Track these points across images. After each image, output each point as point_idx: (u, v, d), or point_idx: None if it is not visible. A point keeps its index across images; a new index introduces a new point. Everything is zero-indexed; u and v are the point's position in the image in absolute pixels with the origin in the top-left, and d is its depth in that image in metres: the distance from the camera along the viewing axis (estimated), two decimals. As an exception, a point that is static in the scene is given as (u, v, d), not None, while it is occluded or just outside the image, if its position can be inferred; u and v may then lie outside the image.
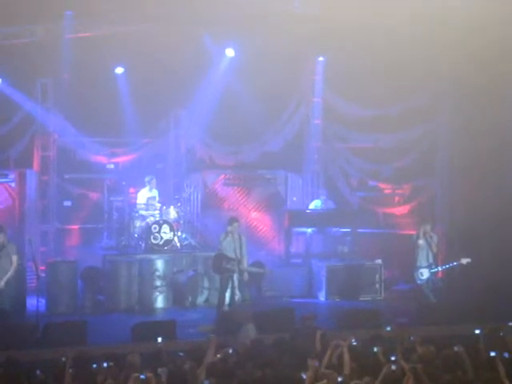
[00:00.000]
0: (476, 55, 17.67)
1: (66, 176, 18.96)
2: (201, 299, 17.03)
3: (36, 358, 11.91)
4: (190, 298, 16.89)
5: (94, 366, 9.75)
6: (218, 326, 14.26)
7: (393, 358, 9.77)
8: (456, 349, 10.09)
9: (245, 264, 15.51)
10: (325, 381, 8.70)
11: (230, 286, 15.45)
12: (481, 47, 17.47)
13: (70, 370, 9.59)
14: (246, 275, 15.55)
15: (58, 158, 18.88)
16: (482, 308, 14.99)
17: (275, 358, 10.51)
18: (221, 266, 15.40)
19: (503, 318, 12.93)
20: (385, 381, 9.35)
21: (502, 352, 10.08)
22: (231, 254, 15.36)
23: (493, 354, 9.67)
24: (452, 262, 16.76)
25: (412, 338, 11.28)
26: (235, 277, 16.51)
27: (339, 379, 9.14)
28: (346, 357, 9.87)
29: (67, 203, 19.01)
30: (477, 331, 11.56)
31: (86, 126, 18.47)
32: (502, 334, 11.48)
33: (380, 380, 9.33)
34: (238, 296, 16.67)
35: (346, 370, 9.62)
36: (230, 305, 15.50)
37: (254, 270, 16.45)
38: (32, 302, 15.29)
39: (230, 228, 15.52)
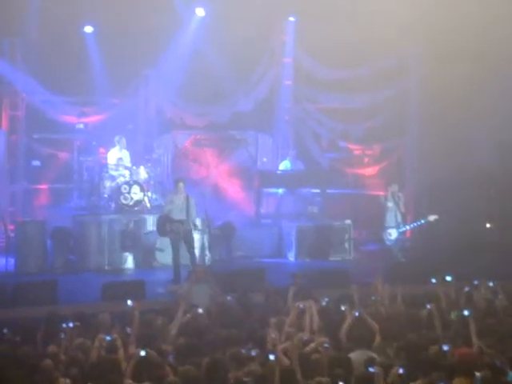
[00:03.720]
0: (446, 18, 17.71)
1: (35, 136, 18.81)
2: (169, 259, 17.03)
3: (5, 317, 11.88)
4: (158, 258, 16.88)
5: (64, 325, 9.75)
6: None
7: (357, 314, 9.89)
8: (428, 307, 10.23)
9: (191, 224, 15.35)
10: (288, 343, 8.76)
11: (179, 246, 15.30)
12: (453, 12, 17.51)
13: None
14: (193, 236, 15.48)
15: (26, 117, 18.70)
16: (450, 266, 15.15)
17: (243, 317, 10.60)
18: (164, 228, 15.33)
19: (470, 275, 13.08)
20: (351, 331, 9.51)
21: (470, 310, 10.24)
22: (178, 215, 15.25)
23: (466, 312, 9.77)
24: (420, 220, 16.93)
25: (373, 297, 11.41)
26: (205, 237, 16.61)
27: (305, 338, 9.24)
28: (314, 316, 9.98)
29: (36, 163, 18.88)
30: (448, 278, 11.75)
31: (55, 85, 18.28)
32: (467, 289, 11.63)
33: (345, 330, 9.50)
34: (207, 256, 16.78)
35: (313, 328, 9.74)
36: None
37: (199, 229, 16.40)
38: (1, 262, 15.25)
39: (175, 189, 15.47)
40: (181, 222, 15.22)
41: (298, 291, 11.77)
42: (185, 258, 15.55)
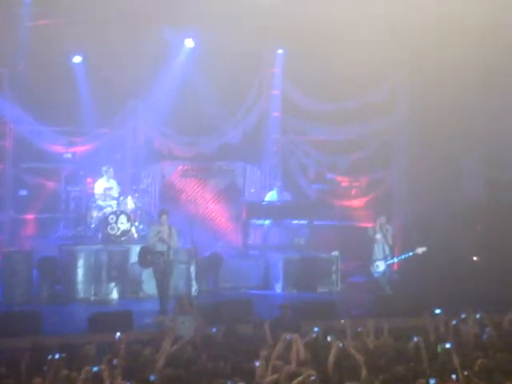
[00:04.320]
0: (434, 47, 17.85)
1: (23, 165, 18.77)
2: (156, 290, 16.95)
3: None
4: (144, 289, 16.81)
5: (50, 356, 9.67)
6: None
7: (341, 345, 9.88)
8: (415, 339, 10.22)
9: (171, 255, 15.33)
10: (276, 375, 8.72)
11: (162, 278, 15.26)
12: (440, 39, 17.65)
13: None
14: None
15: (14, 147, 18.67)
16: (437, 299, 15.16)
17: (228, 349, 10.55)
18: (146, 259, 15.32)
19: (458, 308, 13.08)
20: (337, 361, 9.48)
21: (456, 342, 10.24)
22: (160, 247, 15.24)
23: (448, 345, 9.79)
24: (407, 252, 16.94)
25: (360, 329, 11.39)
26: (192, 268, 16.58)
27: (292, 370, 9.20)
28: (301, 348, 9.95)
29: (23, 192, 18.82)
30: (437, 311, 11.76)
31: (43, 115, 18.30)
32: (454, 322, 11.64)
33: (332, 361, 9.48)
34: (194, 287, 16.73)
35: (300, 359, 9.70)
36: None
37: (180, 260, 16.39)
38: (-14, 292, 15.16)
39: (159, 220, 15.48)
40: (161, 253, 15.20)
41: (286, 322, 11.72)
42: (173, 289, 15.51)
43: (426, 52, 18.09)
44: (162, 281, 15.31)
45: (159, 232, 15.30)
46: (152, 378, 9.06)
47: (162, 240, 15.18)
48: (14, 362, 9.91)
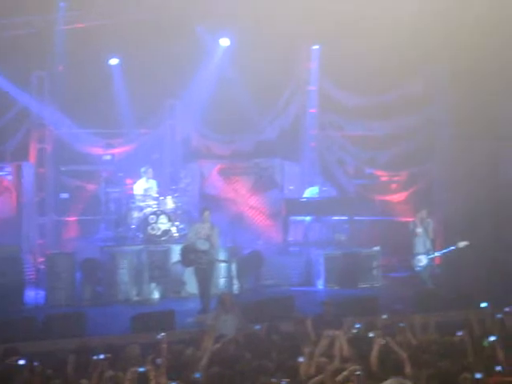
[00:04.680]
0: (472, 40, 17.65)
1: (63, 168, 18.98)
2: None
3: (35, 350, 11.90)
4: (187, 288, 16.87)
5: (95, 357, 9.74)
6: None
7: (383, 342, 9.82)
8: (460, 334, 10.13)
9: (214, 254, 15.31)
10: (321, 376, 8.70)
11: (204, 277, 15.27)
12: (477, 32, 17.44)
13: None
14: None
15: (54, 150, 18.88)
16: (480, 293, 15.01)
17: (271, 346, 10.54)
18: (188, 258, 15.28)
19: (501, 302, 12.94)
20: (380, 356, 9.43)
21: (501, 336, 10.12)
22: (202, 245, 15.15)
23: (492, 338, 9.69)
24: (449, 247, 16.80)
25: (402, 324, 11.30)
26: (233, 266, 16.60)
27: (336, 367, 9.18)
28: (344, 344, 9.91)
29: (64, 195, 19.02)
30: (483, 304, 11.65)
31: (81, 117, 18.46)
32: (499, 316, 11.51)
33: (375, 357, 9.43)
34: (236, 285, 16.75)
35: (343, 355, 9.67)
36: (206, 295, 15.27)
37: (222, 259, 16.39)
38: (31, 295, 15.31)
39: (201, 217, 15.47)
40: (204, 251, 15.20)
41: (328, 318, 11.68)
42: (214, 287, 15.55)
43: (464, 41, 17.87)
44: (205, 280, 15.32)
45: (199, 231, 15.27)
46: (197, 375, 9.10)
47: (201, 238, 15.16)
48: (60, 363, 10.00)
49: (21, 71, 17.97)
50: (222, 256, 16.41)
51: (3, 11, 16.77)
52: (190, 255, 15.22)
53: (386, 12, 17.46)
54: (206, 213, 15.36)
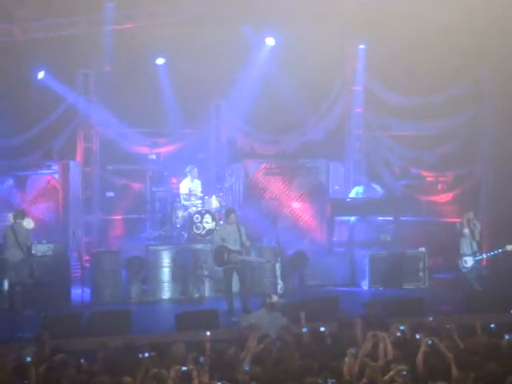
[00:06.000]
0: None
1: (109, 167, 19.11)
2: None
3: (81, 348, 12.01)
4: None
5: (140, 355, 9.80)
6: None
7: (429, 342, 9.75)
8: (507, 337, 10.02)
9: (243, 254, 15.24)
10: (368, 371, 8.69)
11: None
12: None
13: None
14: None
15: (100, 149, 19.01)
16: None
17: (316, 347, 10.51)
18: (223, 258, 15.18)
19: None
20: (426, 358, 9.36)
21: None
22: (233, 246, 15.12)
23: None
24: (497, 249, 16.62)
25: (448, 326, 11.19)
26: (277, 266, 16.57)
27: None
28: (388, 345, 9.86)
29: (110, 194, 19.15)
30: None
31: (128, 117, 18.57)
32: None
33: (421, 359, 9.36)
34: (280, 285, 16.72)
35: (388, 357, 9.62)
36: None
37: (254, 259, 16.35)
38: (77, 292, 15.46)
39: (227, 219, 15.43)
40: (238, 252, 15.20)
41: (373, 320, 11.62)
42: (258, 287, 15.50)
43: (510, 41, 17.67)
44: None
45: (227, 231, 15.26)
46: (246, 367, 9.14)
47: (224, 241, 15.13)
48: (106, 360, 10.07)
49: (68, 70, 18.15)
50: (266, 256, 16.41)
51: (52, 12, 16.95)
52: (224, 255, 15.19)
53: (432, 13, 17.32)
54: (232, 215, 15.35)
